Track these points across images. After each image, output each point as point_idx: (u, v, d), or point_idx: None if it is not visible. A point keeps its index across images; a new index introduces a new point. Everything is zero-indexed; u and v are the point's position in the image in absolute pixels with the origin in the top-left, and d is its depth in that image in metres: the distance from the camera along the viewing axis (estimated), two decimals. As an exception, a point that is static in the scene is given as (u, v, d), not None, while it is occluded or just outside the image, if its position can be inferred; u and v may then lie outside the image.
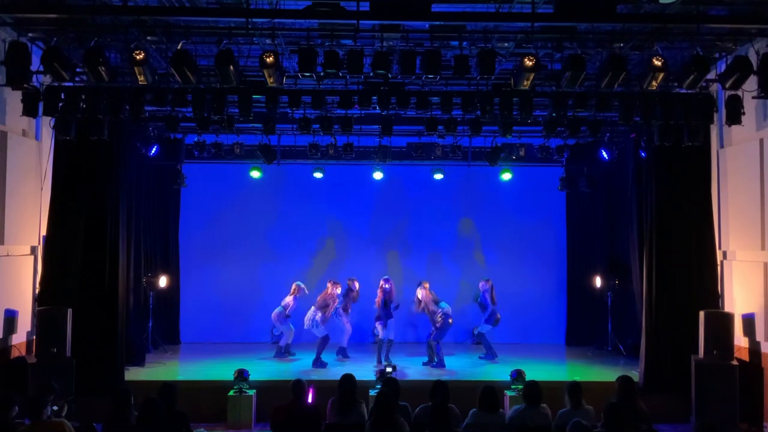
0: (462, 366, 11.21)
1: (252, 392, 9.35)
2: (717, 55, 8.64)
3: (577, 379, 8.31)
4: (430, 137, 11.27)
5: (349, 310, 11.84)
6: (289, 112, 9.76)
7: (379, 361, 11.13)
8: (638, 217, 10.60)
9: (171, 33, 7.91)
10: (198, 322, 13.22)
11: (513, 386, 9.09)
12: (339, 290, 11.63)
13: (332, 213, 13.76)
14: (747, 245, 9.60)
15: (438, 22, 7.69)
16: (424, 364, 11.20)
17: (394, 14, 7.26)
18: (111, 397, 6.55)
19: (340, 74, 8.02)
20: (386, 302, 11.48)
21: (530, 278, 13.66)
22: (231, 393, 9.25)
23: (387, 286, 11.55)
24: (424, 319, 12.15)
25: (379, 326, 11.47)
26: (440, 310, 11.29)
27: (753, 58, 7.61)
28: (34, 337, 9.31)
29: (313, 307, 11.57)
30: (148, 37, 8.02)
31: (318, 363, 10.96)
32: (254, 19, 7.56)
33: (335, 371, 9.98)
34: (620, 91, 8.75)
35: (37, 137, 9.96)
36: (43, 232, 9.84)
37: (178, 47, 7.55)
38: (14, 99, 8.64)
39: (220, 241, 13.55)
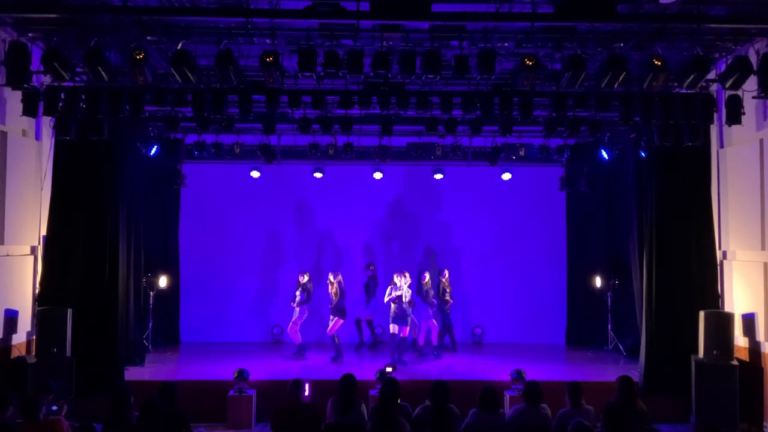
0: (462, 366, 11.21)
1: (252, 392, 9.36)
2: (717, 55, 8.63)
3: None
4: (430, 137, 11.27)
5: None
6: (289, 112, 9.75)
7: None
8: (638, 217, 10.59)
9: (171, 33, 7.91)
10: (198, 322, 13.23)
11: (513, 386, 9.09)
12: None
13: (332, 213, 13.74)
14: (747, 245, 9.59)
15: (438, 22, 7.68)
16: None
17: (394, 14, 7.28)
18: (111, 397, 6.56)
19: (340, 74, 8.01)
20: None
21: (530, 278, 13.65)
22: (231, 393, 9.26)
23: (333, 279, 11.72)
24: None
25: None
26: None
27: (753, 58, 7.62)
28: (34, 337, 9.31)
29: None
30: (148, 37, 8.00)
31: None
32: (254, 19, 7.58)
33: (335, 371, 9.97)
34: (620, 91, 8.73)
35: (37, 137, 9.96)
36: (43, 232, 9.84)
37: (178, 47, 7.55)
38: (14, 99, 8.63)
39: (220, 240, 13.55)
